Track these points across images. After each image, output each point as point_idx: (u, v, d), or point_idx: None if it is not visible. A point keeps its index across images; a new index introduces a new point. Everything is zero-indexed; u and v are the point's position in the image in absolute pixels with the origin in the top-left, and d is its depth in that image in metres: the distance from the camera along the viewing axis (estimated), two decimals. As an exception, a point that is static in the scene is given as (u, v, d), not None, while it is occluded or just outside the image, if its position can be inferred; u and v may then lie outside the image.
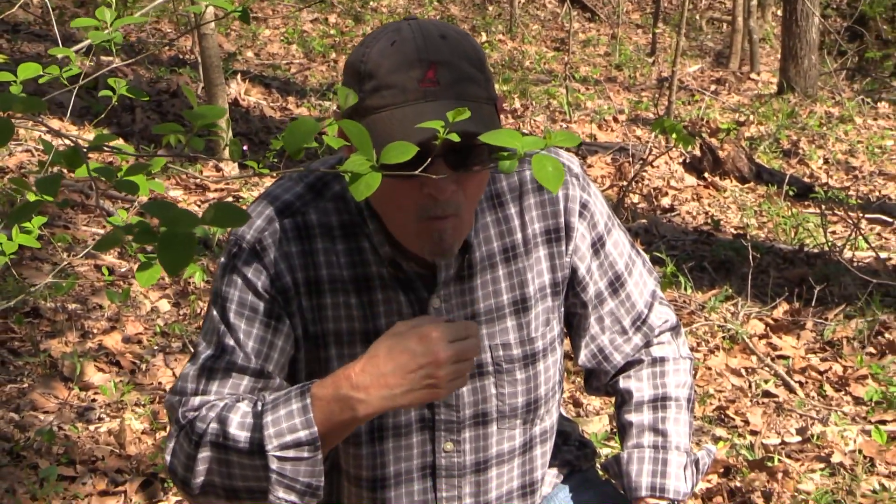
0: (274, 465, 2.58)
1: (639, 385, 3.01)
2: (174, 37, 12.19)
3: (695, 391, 3.07)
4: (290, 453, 2.58)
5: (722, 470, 5.52)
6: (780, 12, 13.00)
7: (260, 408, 2.63)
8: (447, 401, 2.85)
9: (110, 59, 7.48)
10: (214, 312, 2.78)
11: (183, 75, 10.85)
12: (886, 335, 6.89)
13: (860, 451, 5.70)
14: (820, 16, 12.44)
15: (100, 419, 5.72)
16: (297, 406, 2.59)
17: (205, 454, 2.66)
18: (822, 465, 5.60)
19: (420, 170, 2.13)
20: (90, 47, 2.66)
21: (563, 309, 2.95)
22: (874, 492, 5.39)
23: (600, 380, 3.05)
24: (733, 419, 6.05)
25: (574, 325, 2.98)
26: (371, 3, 14.87)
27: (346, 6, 14.51)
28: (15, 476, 5.30)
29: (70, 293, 6.61)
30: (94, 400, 5.86)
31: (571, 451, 3.22)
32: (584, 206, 2.85)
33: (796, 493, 5.35)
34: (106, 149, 2.25)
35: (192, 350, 2.80)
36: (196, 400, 2.74)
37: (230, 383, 2.75)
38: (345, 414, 2.57)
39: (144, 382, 6.04)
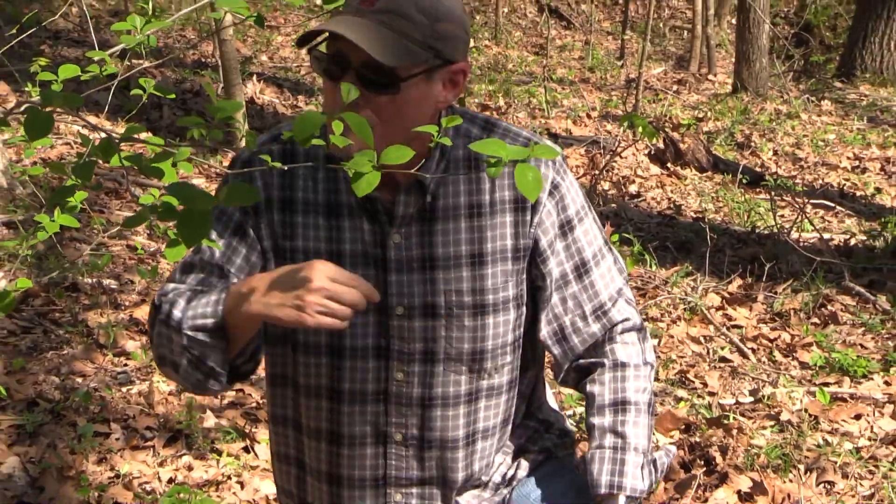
0: (184, 341, 2.68)
1: (601, 389, 2.96)
2: (197, 42, 12.15)
3: (653, 395, 3.01)
4: (199, 336, 2.67)
5: (683, 427, 5.50)
6: (734, 21, 12.95)
7: (197, 301, 2.72)
8: (401, 333, 2.86)
9: (141, 61, 7.39)
10: None
11: (205, 76, 10.82)
12: (829, 307, 6.88)
13: (806, 411, 5.69)
14: (770, 24, 12.40)
15: (131, 382, 5.70)
16: (215, 297, 2.69)
17: (158, 329, 2.77)
18: (772, 423, 5.60)
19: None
20: (123, 51, 2.63)
21: (524, 276, 2.91)
22: (818, 446, 5.38)
23: (561, 367, 3.00)
24: (693, 382, 6.04)
25: (537, 298, 2.93)
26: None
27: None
28: (56, 433, 5.28)
29: (105, 270, 6.58)
30: (125, 365, 5.84)
31: (552, 439, 3.19)
32: (555, 186, 2.83)
33: (749, 448, 5.33)
34: (136, 140, 2.24)
35: None
36: (169, 286, 2.84)
37: (197, 277, 2.84)
38: (240, 308, 2.64)
39: (171, 349, 6.00)
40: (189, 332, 2.67)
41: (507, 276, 2.89)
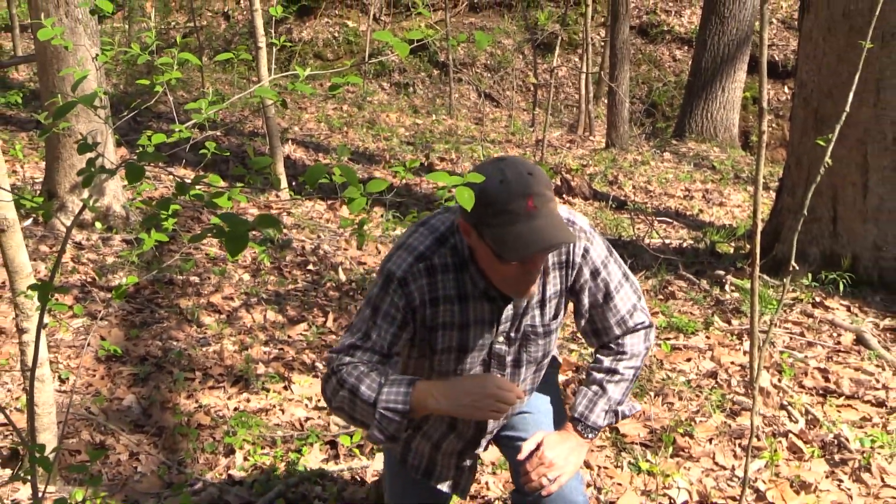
0: (377, 415, 2.85)
1: (604, 359, 3.20)
2: (249, 117, 12.13)
3: (639, 370, 3.22)
4: (389, 414, 2.84)
5: (575, 368, 5.48)
6: (606, 100, 12.98)
7: (383, 381, 2.87)
8: (499, 352, 3.13)
9: (212, 132, 7.36)
10: (367, 312, 2.98)
11: (255, 141, 10.77)
12: (669, 288, 6.88)
13: (654, 356, 5.68)
14: (629, 103, 12.43)
15: (208, 344, 5.66)
16: (404, 390, 2.85)
17: (342, 394, 2.91)
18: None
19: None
20: (196, 124, 2.60)
21: (566, 303, 3.13)
22: (663, 380, 5.37)
23: (592, 343, 3.24)
24: (581, 340, 6.01)
25: (578, 311, 3.15)
26: (368, 98, 14.79)
27: (353, 101, 14.44)
28: (159, 378, 5.25)
29: (190, 270, 6.55)
30: (204, 333, 5.80)
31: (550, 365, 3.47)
32: (585, 251, 3.02)
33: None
34: (204, 183, 2.22)
35: (348, 329, 3.03)
36: (346, 359, 2.95)
37: (368, 355, 2.96)
38: (425, 404, 2.86)
39: (234, 322, 5.98)
40: (382, 411, 2.84)
41: (558, 307, 3.11)
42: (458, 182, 2.15)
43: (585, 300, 3.08)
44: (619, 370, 3.17)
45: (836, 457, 4.74)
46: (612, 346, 3.18)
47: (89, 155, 2.44)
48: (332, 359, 2.99)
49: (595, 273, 3.03)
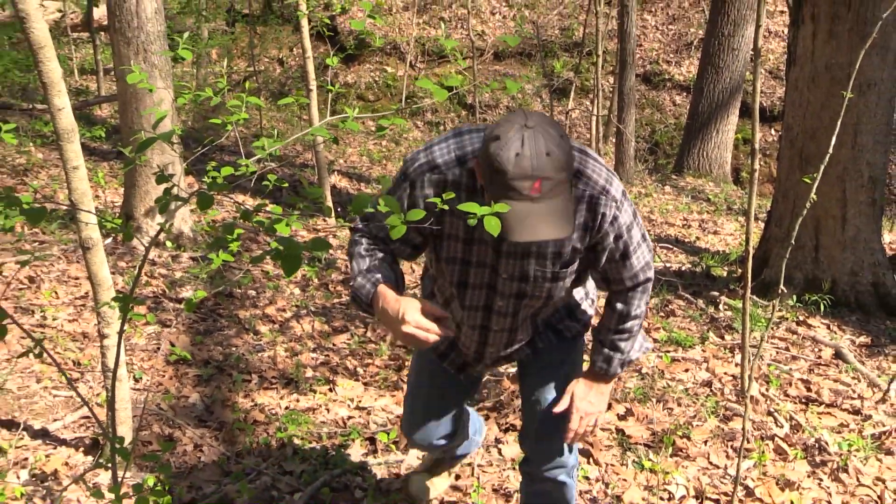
0: (351, 292, 2.86)
1: (616, 313, 3.05)
2: (301, 151, 12.18)
3: (643, 320, 3.13)
4: (357, 296, 2.83)
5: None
6: (614, 140, 12.95)
7: (364, 268, 2.83)
8: (503, 284, 2.93)
9: (270, 163, 7.40)
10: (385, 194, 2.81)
11: (305, 171, 10.81)
12: (670, 306, 6.85)
13: (656, 367, 5.66)
14: (634, 142, 12.40)
15: (263, 350, 5.67)
16: (369, 288, 2.79)
17: (350, 250, 2.96)
18: (636, 374, 5.56)
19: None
20: (259, 159, 2.63)
21: (582, 256, 2.90)
22: (663, 388, 5.34)
23: (603, 290, 3.11)
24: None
25: (593, 262, 2.93)
26: (403, 134, 14.83)
27: (391, 137, 14.48)
28: (220, 379, 5.26)
29: (248, 284, 6.57)
30: (260, 341, 5.81)
31: (575, 327, 3.27)
32: (614, 218, 2.76)
33: (624, 389, 5.30)
34: (265, 210, 2.23)
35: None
36: (360, 225, 2.96)
37: (374, 230, 2.91)
38: (378, 307, 2.76)
39: (286, 331, 6.00)
40: (354, 292, 2.83)
41: (573, 260, 2.88)
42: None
43: (603, 257, 2.87)
44: (627, 328, 3.05)
45: (817, 458, 4.72)
46: (620, 302, 3.03)
47: (165, 185, 2.46)
48: (355, 222, 2.98)
49: (618, 237, 2.81)
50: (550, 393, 3.27)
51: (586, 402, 3.15)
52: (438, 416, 3.54)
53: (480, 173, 2.57)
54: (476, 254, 2.90)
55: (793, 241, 4.08)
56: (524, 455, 3.46)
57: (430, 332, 2.66)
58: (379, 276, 2.82)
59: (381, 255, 2.91)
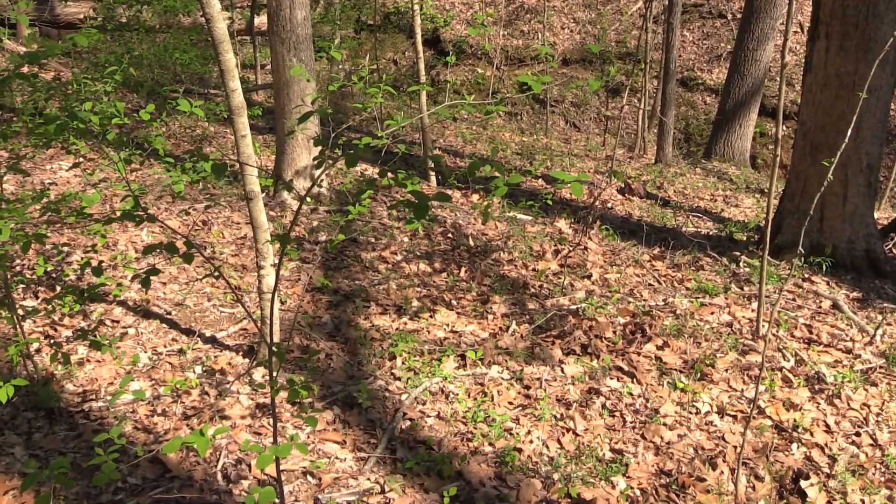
0: None
1: None
2: (409, 132, 12.11)
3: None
4: None
5: (632, 314, 5.37)
6: (656, 129, 12.65)
7: None
8: None
9: (397, 139, 7.38)
10: None
11: (414, 147, 10.75)
12: (699, 262, 6.69)
13: (688, 309, 5.53)
14: (673, 132, 12.10)
15: (380, 283, 5.65)
16: None
17: None
18: (672, 314, 5.44)
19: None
20: (394, 131, 2.57)
21: None
22: (694, 325, 5.23)
23: None
24: (636, 294, 5.87)
25: None
26: (489, 122, 14.64)
27: (479, 123, 14.30)
28: (346, 305, 5.29)
29: (369, 233, 6.54)
30: (377, 276, 5.80)
31: None
32: None
33: (663, 327, 5.20)
34: (391, 171, 2.17)
35: None
36: None
37: None
38: None
39: (398, 270, 5.98)
40: None
41: None
42: (572, 178, 2.08)
43: None
44: None
45: (816, 387, 4.60)
46: None
47: (318, 149, 2.44)
48: None
49: None
50: None
51: None
52: None
53: None
54: None
55: (811, 213, 3.92)
56: None
57: None
58: None
59: None
